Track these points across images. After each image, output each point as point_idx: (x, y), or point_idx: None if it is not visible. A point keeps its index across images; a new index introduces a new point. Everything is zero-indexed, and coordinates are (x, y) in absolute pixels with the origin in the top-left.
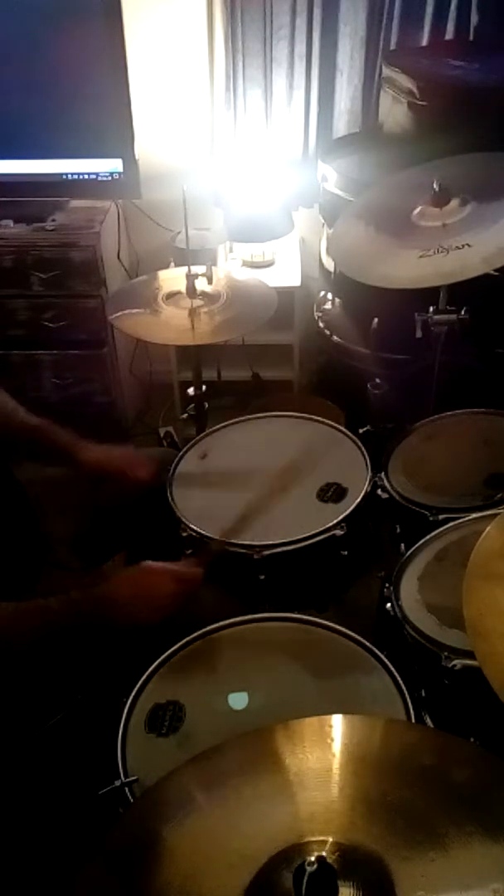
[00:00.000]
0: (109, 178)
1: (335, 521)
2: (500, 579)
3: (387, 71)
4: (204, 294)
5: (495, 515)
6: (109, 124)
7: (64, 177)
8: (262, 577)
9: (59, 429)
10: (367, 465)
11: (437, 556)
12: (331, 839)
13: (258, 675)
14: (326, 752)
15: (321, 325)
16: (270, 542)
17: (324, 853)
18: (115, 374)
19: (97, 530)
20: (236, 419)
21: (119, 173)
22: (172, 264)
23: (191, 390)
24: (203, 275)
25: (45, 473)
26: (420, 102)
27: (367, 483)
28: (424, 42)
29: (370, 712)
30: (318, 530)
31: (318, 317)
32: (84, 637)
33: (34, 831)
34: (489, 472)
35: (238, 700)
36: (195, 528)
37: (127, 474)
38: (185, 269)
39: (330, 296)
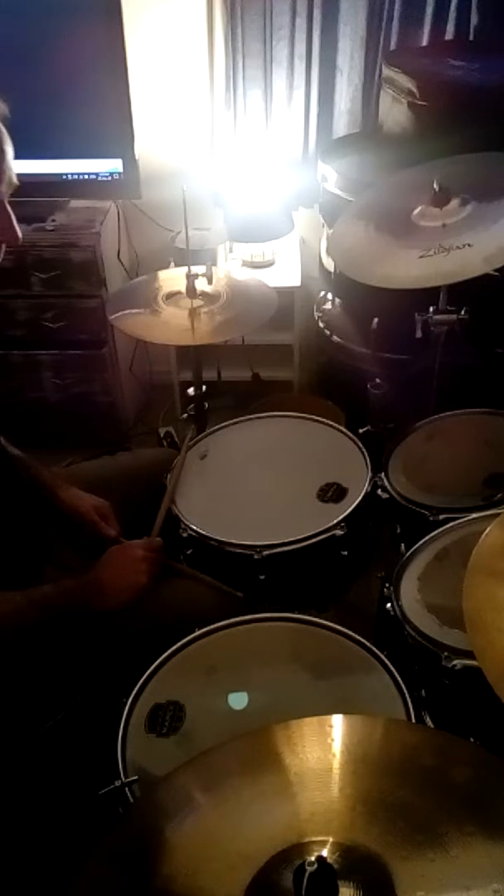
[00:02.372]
0: (109, 178)
1: (335, 521)
2: (501, 577)
3: (387, 71)
4: (204, 294)
5: (496, 515)
6: (109, 124)
7: (64, 177)
8: (262, 577)
9: (39, 465)
10: (367, 465)
11: (437, 556)
12: (331, 839)
13: (258, 675)
14: (326, 752)
15: (321, 325)
16: (270, 542)
17: (324, 853)
18: (115, 374)
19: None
20: (236, 419)
21: (119, 173)
22: (172, 264)
23: (191, 390)
24: (203, 275)
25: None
26: (420, 102)
27: (367, 483)
28: (424, 42)
29: (370, 712)
30: (318, 530)
31: (318, 317)
32: (78, 622)
33: (34, 831)
34: (489, 472)
35: (238, 700)
36: (195, 527)
37: (97, 526)
38: (185, 269)
39: (330, 296)
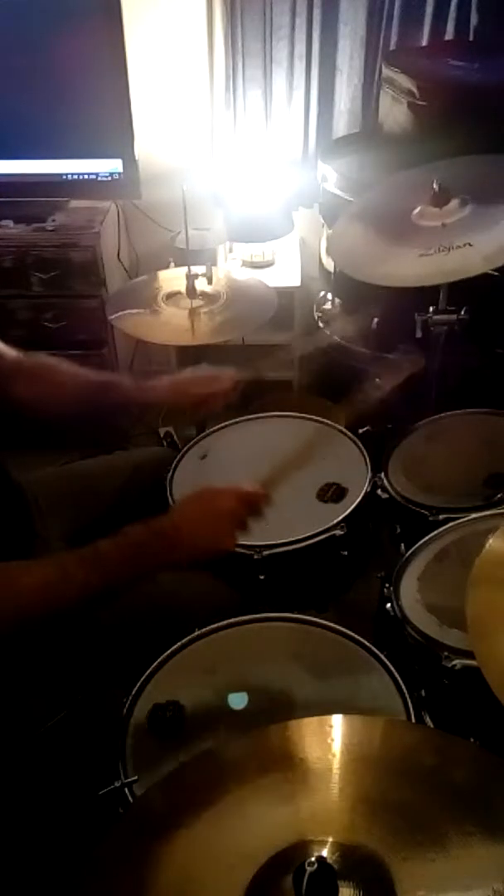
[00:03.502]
0: (109, 178)
1: (335, 522)
2: (502, 584)
3: (387, 71)
4: (204, 294)
5: (495, 515)
6: (109, 124)
7: (64, 177)
8: (262, 577)
9: (123, 379)
10: (367, 465)
11: (437, 556)
12: (331, 839)
13: (258, 675)
14: (326, 752)
15: (321, 325)
16: (270, 542)
17: (324, 853)
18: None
19: (94, 531)
20: (236, 419)
21: (119, 173)
22: (172, 264)
23: None
24: (203, 275)
25: (42, 474)
26: (420, 103)
27: (367, 483)
28: (424, 42)
29: (370, 712)
30: (318, 530)
31: (318, 317)
32: (139, 580)
33: (34, 831)
34: (489, 472)
35: (238, 700)
36: None
37: (209, 402)
38: (185, 269)
39: (330, 296)
